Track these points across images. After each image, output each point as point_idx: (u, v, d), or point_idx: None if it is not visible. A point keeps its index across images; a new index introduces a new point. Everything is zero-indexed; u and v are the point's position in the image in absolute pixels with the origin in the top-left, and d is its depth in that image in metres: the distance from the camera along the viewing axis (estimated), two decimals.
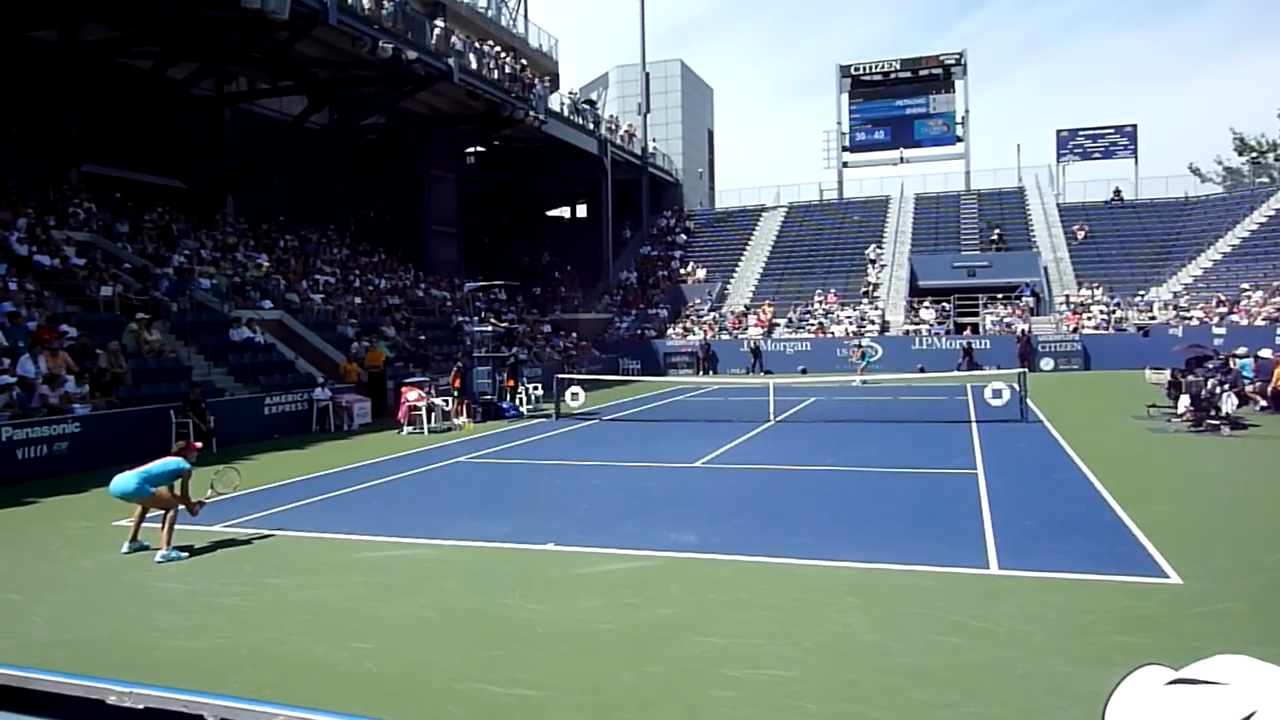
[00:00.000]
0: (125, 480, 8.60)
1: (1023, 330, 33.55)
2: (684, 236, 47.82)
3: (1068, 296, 36.67)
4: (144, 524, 8.83)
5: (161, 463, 8.84)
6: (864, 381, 27.70)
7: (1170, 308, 33.63)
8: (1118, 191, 43.94)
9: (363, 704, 4.97)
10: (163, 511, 8.62)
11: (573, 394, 21.51)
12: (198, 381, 17.41)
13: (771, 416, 19.06)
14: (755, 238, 46.26)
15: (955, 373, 30.70)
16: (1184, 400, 16.37)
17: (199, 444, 9.57)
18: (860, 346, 31.72)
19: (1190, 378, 17.17)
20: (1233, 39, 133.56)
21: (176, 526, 8.63)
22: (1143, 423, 16.75)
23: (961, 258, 40.35)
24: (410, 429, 18.53)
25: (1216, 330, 29.66)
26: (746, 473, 12.85)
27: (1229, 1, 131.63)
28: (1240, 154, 56.43)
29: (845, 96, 48.86)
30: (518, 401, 22.43)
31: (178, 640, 6.14)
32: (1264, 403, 18.03)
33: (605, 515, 10.06)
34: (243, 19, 21.38)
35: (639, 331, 39.13)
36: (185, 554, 8.46)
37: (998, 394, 18.59)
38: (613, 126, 44.72)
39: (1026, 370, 21.68)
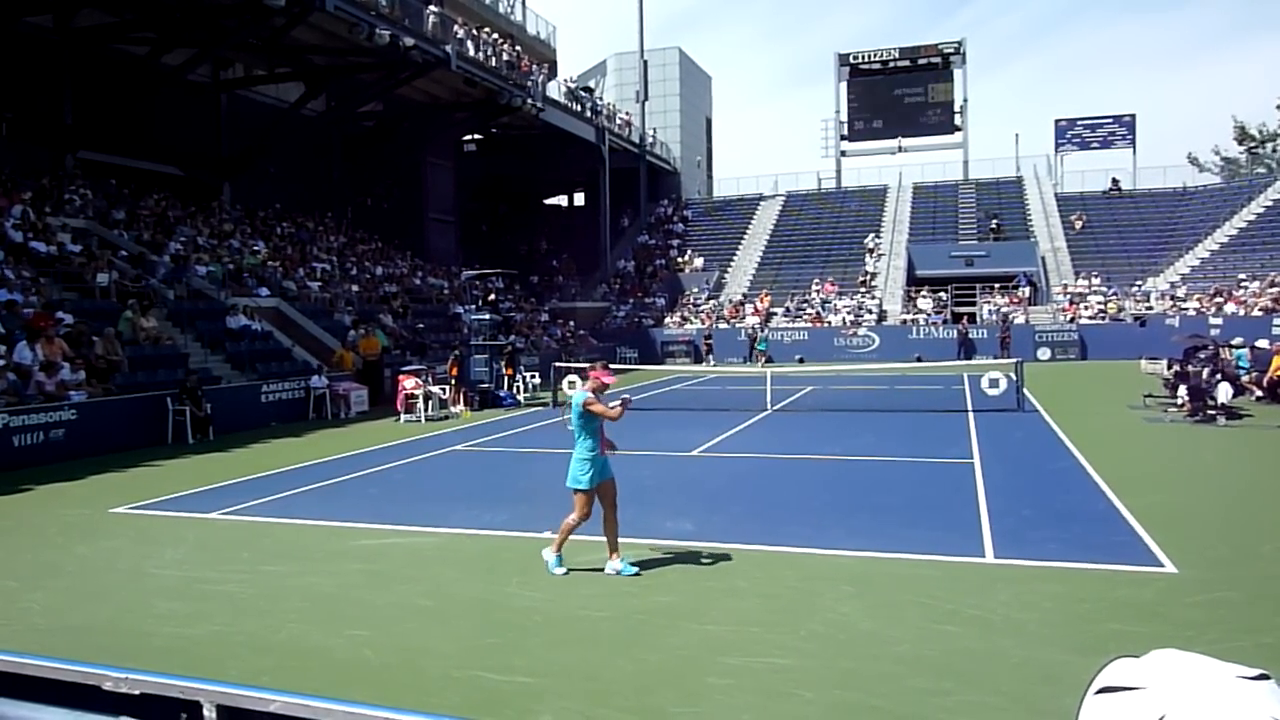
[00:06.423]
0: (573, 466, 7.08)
1: (1005, 316, 34.04)
2: (682, 225, 47.74)
3: (1065, 286, 36.68)
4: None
5: (574, 401, 7.23)
6: (768, 360, 32.47)
7: (1167, 298, 33.66)
8: (1115, 181, 43.88)
9: (359, 691, 4.97)
10: (608, 513, 7.21)
11: (570, 383, 21.49)
12: (194, 369, 17.39)
13: (769, 405, 19.07)
14: (753, 227, 46.19)
15: (953, 361, 30.73)
16: (1182, 390, 16.39)
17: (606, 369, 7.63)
18: (764, 348, 34.33)
19: (1190, 368, 17.20)
20: (1233, 29, 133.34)
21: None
22: (1139, 412, 16.78)
23: (959, 247, 40.31)
24: (408, 417, 18.53)
25: (1213, 320, 29.69)
26: (744, 461, 12.86)
27: None
28: (1240, 143, 56.34)
29: (844, 85, 48.75)
30: (515, 390, 22.43)
31: (175, 627, 6.15)
32: (1260, 393, 18.06)
33: None
34: (239, 4, 21.32)
35: (636, 320, 39.12)
36: (636, 570, 7.17)
37: (994, 383, 18.61)
38: (611, 115, 44.55)
39: (1018, 360, 21.66)
